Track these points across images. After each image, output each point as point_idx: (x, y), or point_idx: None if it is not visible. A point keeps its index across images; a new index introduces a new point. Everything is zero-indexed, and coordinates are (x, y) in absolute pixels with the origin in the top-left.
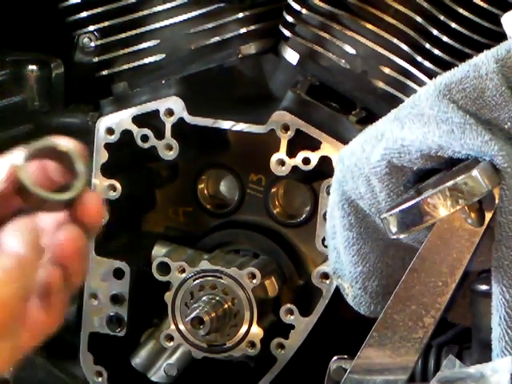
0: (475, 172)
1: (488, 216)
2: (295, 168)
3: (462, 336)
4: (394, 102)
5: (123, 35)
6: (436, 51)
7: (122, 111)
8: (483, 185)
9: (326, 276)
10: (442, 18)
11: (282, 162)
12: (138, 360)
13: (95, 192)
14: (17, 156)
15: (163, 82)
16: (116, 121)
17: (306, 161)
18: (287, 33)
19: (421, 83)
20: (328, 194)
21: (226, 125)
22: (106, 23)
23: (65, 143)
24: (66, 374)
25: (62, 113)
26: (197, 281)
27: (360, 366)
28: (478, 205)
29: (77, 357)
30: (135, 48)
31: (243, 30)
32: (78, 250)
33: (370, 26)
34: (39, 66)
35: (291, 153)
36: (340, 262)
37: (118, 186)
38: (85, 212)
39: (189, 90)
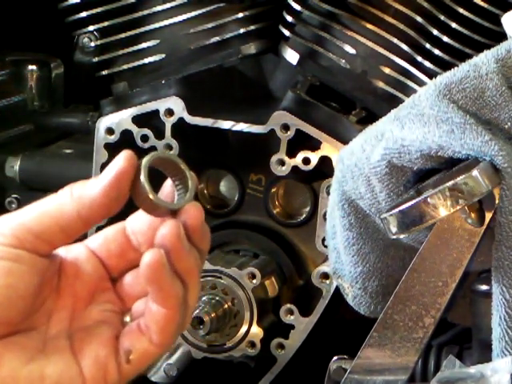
0: (475, 172)
1: (488, 216)
2: (295, 168)
3: (462, 336)
4: (394, 102)
5: (123, 35)
6: (436, 51)
7: (121, 111)
8: (483, 185)
9: (326, 276)
10: (442, 17)
11: (281, 162)
12: None
13: (196, 202)
14: (133, 157)
15: (163, 82)
16: (116, 121)
17: (306, 161)
18: (287, 33)
19: (421, 83)
20: (328, 194)
21: (226, 125)
22: (106, 23)
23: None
24: None
25: (62, 113)
26: None
27: (360, 366)
28: (478, 205)
29: None
30: (135, 48)
31: (243, 30)
32: (181, 239)
33: (370, 26)
34: (39, 66)
35: (291, 153)
36: (340, 261)
37: None
38: (186, 218)
39: (189, 90)
